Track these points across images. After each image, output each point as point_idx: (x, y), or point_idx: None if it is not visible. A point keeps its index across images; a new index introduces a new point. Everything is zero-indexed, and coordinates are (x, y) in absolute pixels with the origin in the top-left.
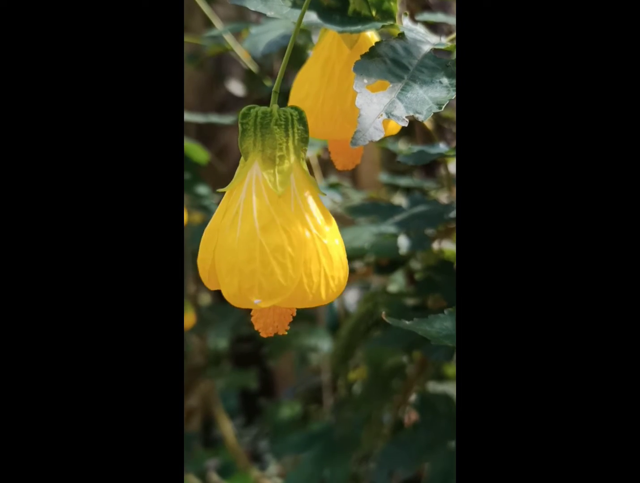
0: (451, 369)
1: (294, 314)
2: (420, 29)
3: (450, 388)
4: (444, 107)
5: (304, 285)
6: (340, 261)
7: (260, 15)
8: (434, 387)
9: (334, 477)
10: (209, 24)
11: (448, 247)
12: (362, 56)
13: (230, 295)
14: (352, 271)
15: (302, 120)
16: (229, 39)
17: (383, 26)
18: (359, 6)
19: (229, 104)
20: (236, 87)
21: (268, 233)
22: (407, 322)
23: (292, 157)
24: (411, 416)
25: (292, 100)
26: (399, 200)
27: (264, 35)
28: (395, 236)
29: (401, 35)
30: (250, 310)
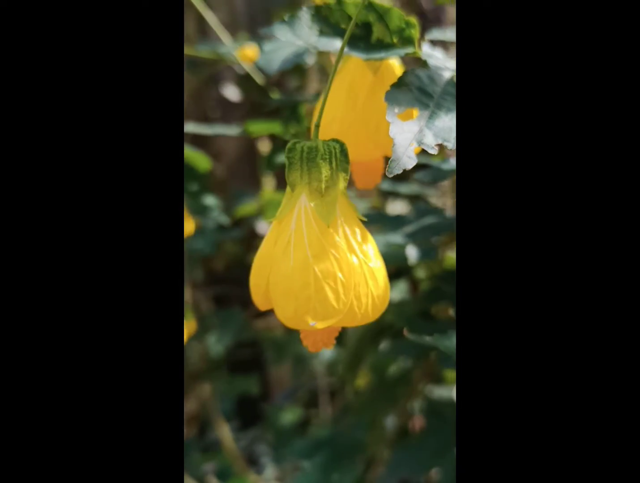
0: (451, 374)
1: (340, 330)
2: (439, 54)
3: (453, 393)
4: None
5: (354, 307)
6: (383, 281)
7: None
8: (434, 391)
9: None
10: (201, 30)
11: (451, 254)
12: (392, 86)
13: (287, 318)
14: None
15: (344, 151)
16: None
17: (406, 54)
18: (381, 34)
19: (224, 107)
20: (231, 92)
21: (320, 261)
22: (427, 338)
23: (336, 187)
24: (416, 422)
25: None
26: (395, 207)
27: (277, 53)
28: (402, 246)
29: (424, 64)
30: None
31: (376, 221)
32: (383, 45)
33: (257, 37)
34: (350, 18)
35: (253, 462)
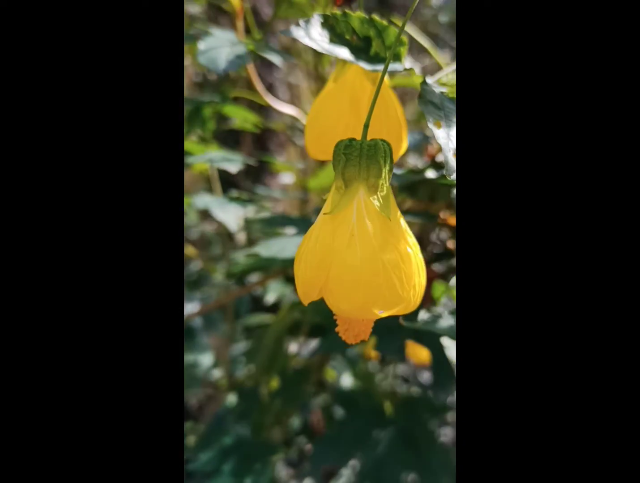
0: (330, 372)
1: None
2: (416, 69)
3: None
4: None
5: (411, 295)
6: (425, 272)
7: None
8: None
9: None
10: None
11: None
12: (418, 99)
13: (354, 308)
14: (246, 283)
15: (391, 152)
16: None
17: (404, 69)
18: (379, 48)
19: None
20: None
21: (385, 252)
22: (418, 324)
23: (388, 184)
24: (317, 417)
25: (321, 127)
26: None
27: (218, 52)
28: None
29: (424, 80)
30: None
31: (283, 224)
32: (379, 59)
33: None
34: (354, 30)
35: None
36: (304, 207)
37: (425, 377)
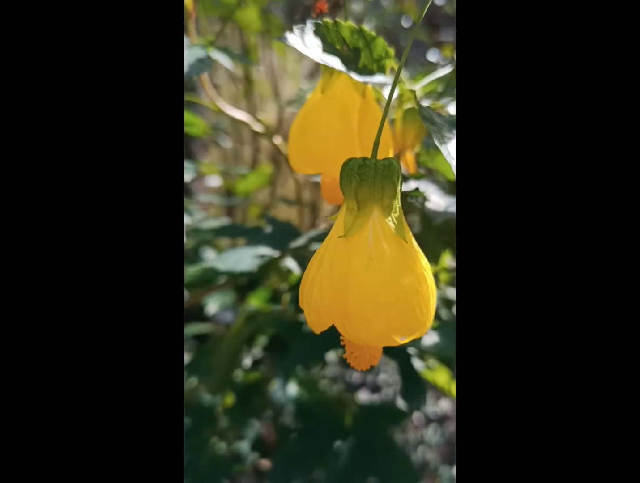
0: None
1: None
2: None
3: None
4: None
5: (427, 319)
6: (435, 295)
7: None
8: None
9: None
10: None
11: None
12: (419, 114)
13: (375, 334)
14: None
15: (401, 171)
16: None
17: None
18: (367, 60)
19: None
20: None
21: (405, 276)
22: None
23: (399, 204)
24: (269, 429)
25: (309, 139)
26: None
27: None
28: (273, 257)
29: (414, 94)
30: None
31: (232, 234)
32: (367, 71)
33: None
34: (344, 40)
35: None
36: (232, 211)
37: (355, 377)
